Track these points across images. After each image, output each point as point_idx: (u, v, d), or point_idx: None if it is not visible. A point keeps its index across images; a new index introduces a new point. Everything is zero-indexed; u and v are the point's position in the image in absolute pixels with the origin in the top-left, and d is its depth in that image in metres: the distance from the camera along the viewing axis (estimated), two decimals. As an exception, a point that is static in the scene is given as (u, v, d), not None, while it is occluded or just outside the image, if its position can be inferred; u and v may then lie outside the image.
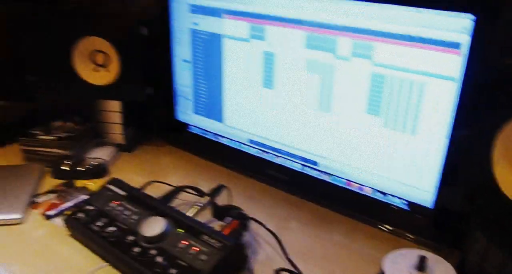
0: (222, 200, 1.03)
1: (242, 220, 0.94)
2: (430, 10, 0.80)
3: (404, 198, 0.96)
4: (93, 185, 1.15)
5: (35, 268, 0.88)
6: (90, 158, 1.23)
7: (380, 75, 0.89)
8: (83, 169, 1.18)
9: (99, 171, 1.20)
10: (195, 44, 1.19)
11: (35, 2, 1.29)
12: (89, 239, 0.92)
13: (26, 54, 1.26)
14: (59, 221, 1.00)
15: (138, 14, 1.37)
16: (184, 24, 1.19)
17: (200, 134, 1.29)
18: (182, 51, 1.23)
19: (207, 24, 1.14)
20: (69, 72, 1.23)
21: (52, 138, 1.22)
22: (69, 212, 0.97)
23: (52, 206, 1.05)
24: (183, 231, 0.86)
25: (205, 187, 1.03)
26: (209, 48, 1.17)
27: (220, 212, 0.98)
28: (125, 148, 1.33)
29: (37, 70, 1.26)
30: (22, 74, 1.29)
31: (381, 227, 1.01)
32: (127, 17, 1.29)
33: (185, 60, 1.24)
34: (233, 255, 0.84)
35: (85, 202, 0.97)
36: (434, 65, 0.82)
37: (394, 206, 0.98)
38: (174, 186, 1.04)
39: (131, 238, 0.87)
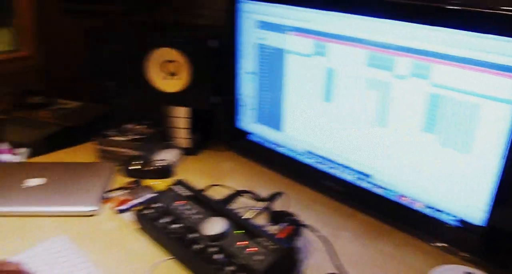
0: (278, 205, 1.09)
1: (296, 226, 0.99)
2: (488, 35, 0.82)
3: (456, 215, 0.98)
4: (158, 184, 1.24)
5: (106, 256, 0.97)
6: (157, 159, 1.32)
7: (437, 95, 0.93)
8: (151, 169, 1.28)
9: (165, 171, 1.29)
10: (260, 58, 1.26)
11: (113, 15, 1.41)
12: (155, 234, 1.00)
13: (105, 62, 1.37)
14: (128, 216, 1.10)
15: (208, 27, 1.47)
16: (250, 38, 1.27)
17: (260, 142, 1.36)
18: (246, 64, 1.31)
19: (273, 39, 1.21)
20: (142, 79, 1.33)
21: (124, 139, 1.32)
22: (138, 208, 1.06)
23: (122, 201, 1.15)
24: (241, 232, 0.92)
25: (262, 193, 1.09)
26: (272, 62, 1.23)
27: (275, 217, 1.04)
28: (189, 152, 1.42)
29: (114, 77, 1.38)
30: (97, 79, 1.41)
31: (431, 242, 1.04)
32: (198, 30, 1.39)
33: (249, 72, 1.31)
34: (286, 258, 0.89)
35: (154, 200, 1.06)
36: (490, 87, 0.85)
37: (445, 222, 1.00)
38: (234, 190, 1.11)
39: (193, 235, 0.94)
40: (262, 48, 1.25)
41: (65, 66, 1.84)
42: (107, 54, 1.36)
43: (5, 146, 1.40)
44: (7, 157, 1.40)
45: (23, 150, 1.43)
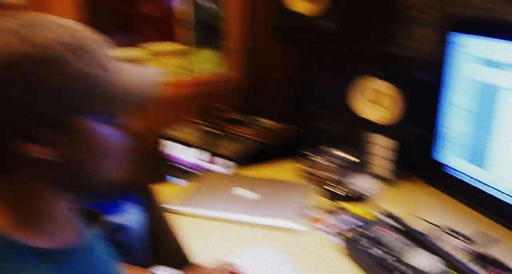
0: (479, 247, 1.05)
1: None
2: None
3: None
4: (355, 209, 1.28)
5: (310, 272, 1.04)
6: (354, 184, 1.37)
7: None
8: (349, 194, 1.33)
9: (361, 197, 1.33)
10: (470, 93, 1.23)
11: (322, 43, 1.49)
12: (363, 261, 1.04)
13: (311, 89, 1.47)
14: (331, 236, 1.16)
15: (414, 59, 1.48)
16: (462, 72, 1.25)
17: (460, 178, 1.32)
18: (454, 97, 1.29)
19: (490, 75, 1.17)
20: (346, 106, 1.40)
21: (328, 163, 1.40)
22: (345, 233, 1.11)
23: (323, 221, 1.22)
24: (452, 271, 0.92)
25: (462, 231, 1.07)
26: (485, 98, 1.19)
27: (482, 260, 1.01)
28: (386, 180, 1.44)
29: (319, 101, 1.46)
30: (303, 103, 1.51)
31: None
32: (407, 62, 1.41)
33: (456, 106, 1.29)
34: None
35: (362, 227, 1.11)
36: None
37: None
38: (437, 225, 1.11)
39: (400, 267, 0.96)
40: (475, 83, 1.22)
41: (267, 88, 2.00)
42: (314, 82, 1.45)
43: (217, 158, 1.58)
44: (218, 168, 1.57)
45: (230, 163, 1.60)
